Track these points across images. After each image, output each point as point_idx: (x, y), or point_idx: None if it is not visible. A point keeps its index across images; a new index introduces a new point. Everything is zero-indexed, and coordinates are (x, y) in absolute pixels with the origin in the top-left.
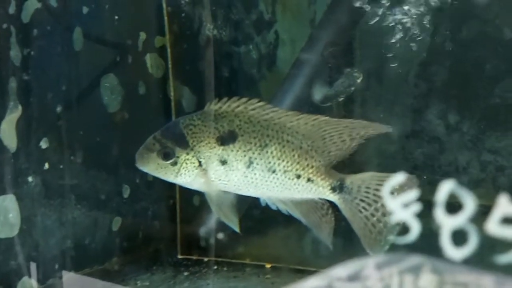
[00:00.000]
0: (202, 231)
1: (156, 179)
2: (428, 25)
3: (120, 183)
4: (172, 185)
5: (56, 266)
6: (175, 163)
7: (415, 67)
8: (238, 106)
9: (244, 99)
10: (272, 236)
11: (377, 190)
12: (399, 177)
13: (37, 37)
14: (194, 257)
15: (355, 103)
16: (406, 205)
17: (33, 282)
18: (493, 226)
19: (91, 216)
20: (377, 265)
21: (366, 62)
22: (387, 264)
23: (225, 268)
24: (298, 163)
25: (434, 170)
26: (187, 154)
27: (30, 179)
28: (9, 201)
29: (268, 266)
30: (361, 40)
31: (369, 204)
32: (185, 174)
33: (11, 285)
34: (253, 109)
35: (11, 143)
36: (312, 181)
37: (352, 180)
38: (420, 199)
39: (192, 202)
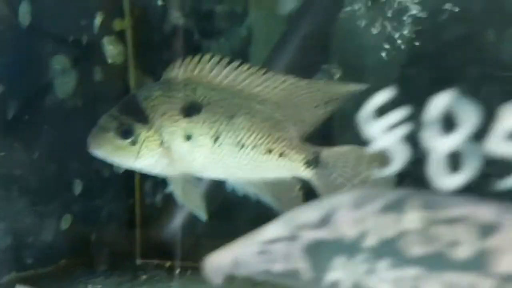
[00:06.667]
0: (164, 233)
1: (112, 175)
2: (408, 24)
3: (71, 177)
4: (131, 183)
5: None
6: (134, 142)
7: (395, 66)
8: (200, 71)
9: (203, 60)
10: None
11: (357, 165)
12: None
13: None
14: (155, 261)
15: None
16: (389, 129)
17: None
18: (495, 144)
19: (37, 212)
20: (352, 205)
21: (344, 58)
22: (364, 203)
23: (189, 272)
24: (269, 135)
25: None
26: (148, 130)
27: None
28: None
29: None
30: (338, 36)
31: (348, 180)
32: (146, 155)
33: None
34: (216, 72)
35: None
36: (285, 155)
37: (329, 153)
38: None
39: (154, 203)
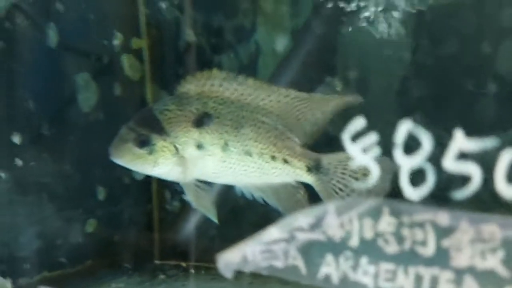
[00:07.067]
0: (180, 236)
1: (132, 182)
2: (410, 37)
3: (95, 185)
4: (149, 189)
5: (28, 266)
6: (151, 152)
7: (397, 79)
8: (210, 85)
9: (213, 75)
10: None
11: (355, 171)
12: (358, 122)
13: (10, 31)
14: (172, 262)
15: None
16: (365, 150)
17: (4, 280)
18: (450, 162)
19: (64, 216)
20: (337, 211)
21: (347, 71)
22: (346, 209)
23: (203, 272)
24: (274, 144)
25: None
26: (164, 140)
27: (1, 174)
28: None
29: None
30: (342, 49)
31: (346, 186)
32: (162, 163)
33: None
34: (224, 86)
35: None
36: (288, 162)
37: (329, 160)
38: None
39: (170, 208)
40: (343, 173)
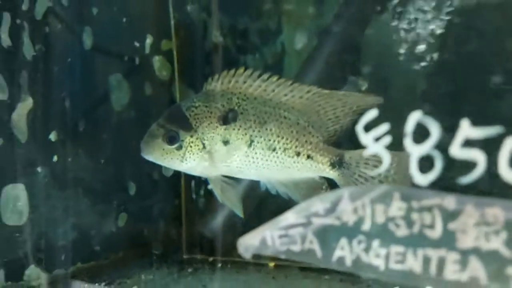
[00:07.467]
0: (207, 231)
1: (161, 178)
2: (435, 36)
3: (126, 180)
4: (177, 185)
5: (63, 257)
6: (180, 147)
7: (421, 78)
8: (234, 83)
9: (237, 73)
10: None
11: (376, 166)
12: (371, 113)
13: (48, 34)
14: (199, 256)
15: None
16: (377, 139)
17: (41, 270)
18: (456, 149)
19: (98, 210)
20: (351, 197)
21: (372, 70)
22: (360, 195)
23: (229, 266)
24: (297, 139)
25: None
26: (191, 136)
27: (39, 169)
28: (19, 190)
29: (271, 265)
30: (366, 48)
31: (367, 180)
32: (190, 158)
33: (19, 273)
34: (248, 83)
35: (22, 134)
36: (312, 157)
37: (351, 155)
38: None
39: (197, 203)
40: (365, 168)
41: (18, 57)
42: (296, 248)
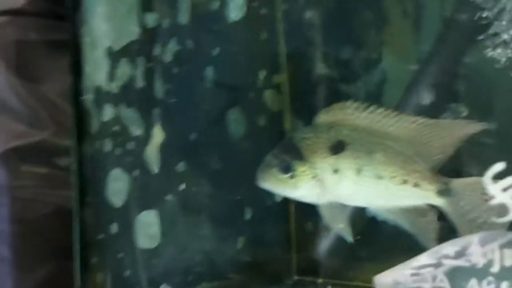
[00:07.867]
0: (316, 254)
1: (273, 204)
2: None
3: (243, 206)
4: (287, 210)
5: (190, 278)
6: (293, 176)
7: None
8: (343, 115)
9: (346, 106)
10: (388, 262)
11: (482, 194)
12: (499, 166)
13: (176, 74)
14: (308, 278)
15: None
16: (505, 189)
17: None
18: None
19: (219, 234)
20: (481, 241)
21: (472, 96)
22: (489, 240)
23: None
24: (403, 168)
25: None
26: (303, 166)
27: (169, 197)
28: (152, 216)
29: None
30: (467, 75)
31: (474, 208)
32: (302, 187)
33: None
34: (356, 115)
35: (154, 165)
36: (419, 185)
37: (458, 183)
38: None
39: (306, 227)
40: (471, 196)
41: (151, 96)
42: (427, 286)
